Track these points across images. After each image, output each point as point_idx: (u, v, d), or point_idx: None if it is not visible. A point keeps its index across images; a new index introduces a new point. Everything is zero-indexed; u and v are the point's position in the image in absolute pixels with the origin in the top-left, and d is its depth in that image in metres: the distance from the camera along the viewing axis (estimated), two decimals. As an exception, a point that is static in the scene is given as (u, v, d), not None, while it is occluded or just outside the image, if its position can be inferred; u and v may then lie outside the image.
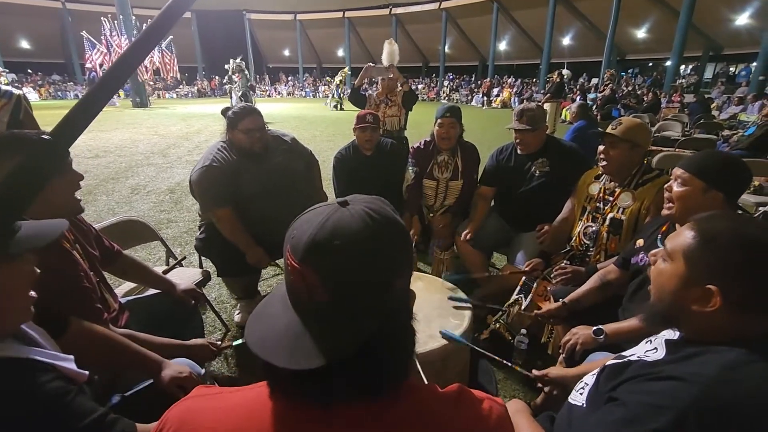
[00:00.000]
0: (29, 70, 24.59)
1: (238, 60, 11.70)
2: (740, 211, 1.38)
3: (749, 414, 0.62)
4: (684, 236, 0.80)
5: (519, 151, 2.36)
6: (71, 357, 0.82)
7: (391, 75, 3.67)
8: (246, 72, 12.02)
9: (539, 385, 1.25)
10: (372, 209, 0.50)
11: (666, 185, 1.39)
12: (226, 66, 12.68)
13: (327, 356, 0.46)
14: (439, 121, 2.52)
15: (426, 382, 1.04)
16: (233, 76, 11.95)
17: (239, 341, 1.51)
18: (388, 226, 0.50)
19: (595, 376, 0.89)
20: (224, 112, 2.15)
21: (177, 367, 1.14)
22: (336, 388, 0.49)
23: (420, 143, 2.69)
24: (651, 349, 0.83)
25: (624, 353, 0.90)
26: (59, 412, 0.73)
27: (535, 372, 1.25)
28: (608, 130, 1.80)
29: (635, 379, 0.75)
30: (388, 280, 0.50)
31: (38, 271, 0.78)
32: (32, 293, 0.78)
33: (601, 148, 1.84)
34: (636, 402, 0.70)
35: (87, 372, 0.83)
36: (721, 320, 0.72)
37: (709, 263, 0.74)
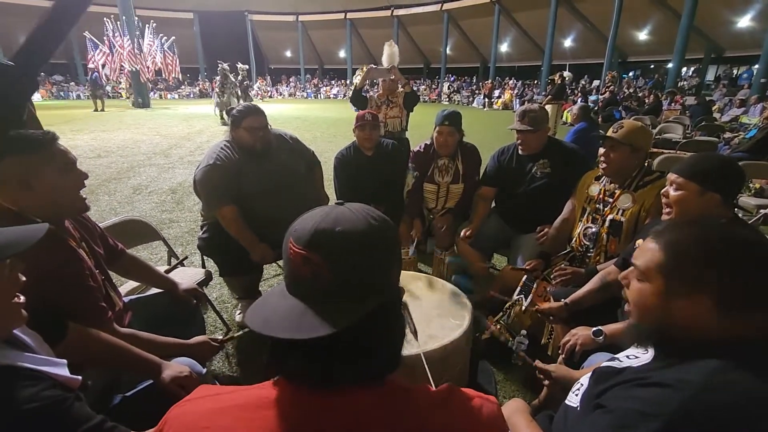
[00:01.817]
0: (32, 71, 24.69)
1: (225, 65, 11.30)
2: (739, 213, 1.39)
3: (736, 419, 0.62)
4: (653, 252, 0.79)
5: (520, 152, 2.37)
6: (64, 362, 0.81)
7: (393, 76, 3.68)
8: (229, 76, 11.49)
9: (541, 377, 1.26)
10: (366, 209, 0.57)
11: (662, 191, 1.40)
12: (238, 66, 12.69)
13: (331, 327, 0.49)
14: (437, 128, 2.52)
15: (432, 382, 1.04)
16: (218, 80, 11.52)
17: (240, 332, 1.52)
18: (384, 223, 0.57)
19: (588, 378, 0.90)
20: (229, 111, 2.19)
21: (177, 367, 1.15)
22: (335, 370, 0.52)
23: (420, 147, 2.70)
24: (642, 351, 0.84)
25: (618, 355, 0.90)
26: (57, 420, 0.72)
27: (538, 363, 1.25)
28: (609, 133, 1.81)
29: (623, 385, 0.75)
30: (382, 264, 0.56)
31: (23, 278, 0.77)
32: (20, 298, 0.76)
33: (601, 150, 1.84)
34: (623, 409, 0.70)
35: (80, 377, 0.82)
36: (711, 325, 0.73)
37: (688, 273, 0.74)
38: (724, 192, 1.29)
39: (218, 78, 11.57)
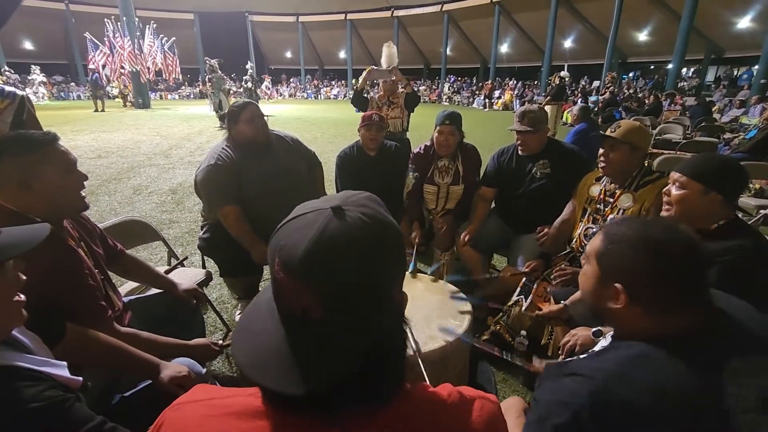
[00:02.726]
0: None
1: (212, 61, 10.94)
2: (740, 214, 1.39)
3: (640, 409, 0.64)
4: (596, 240, 0.86)
5: (520, 152, 2.37)
6: (64, 363, 0.82)
7: (394, 77, 3.69)
8: (219, 73, 10.98)
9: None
10: (367, 215, 0.48)
11: (664, 189, 1.40)
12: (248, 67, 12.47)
13: (318, 382, 0.45)
14: (438, 128, 2.52)
15: (428, 381, 1.04)
16: (207, 79, 10.96)
17: None
18: (385, 231, 0.49)
19: None
20: (224, 116, 2.19)
21: (175, 366, 1.15)
22: (333, 400, 0.48)
23: (420, 148, 2.70)
24: (605, 343, 0.89)
25: (595, 348, 0.94)
26: (58, 421, 0.72)
27: (535, 364, 1.26)
28: (607, 132, 1.81)
29: (554, 379, 0.78)
30: (386, 290, 0.49)
31: (24, 277, 0.77)
32: (21, 297, 0.77)
33: (601, 150, 1.85)
34: (546, 400, 0.74)
35: (80, 378, 0.82)
36: (634, 319, 0.77)
37: (614, 263, 0.80)
38: (726, 193, 1.28)
39: (207, 76, 11.11)
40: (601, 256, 0.82)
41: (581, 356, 0.85)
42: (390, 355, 0.51)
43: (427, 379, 0.94)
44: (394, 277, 0.51)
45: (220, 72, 11.07)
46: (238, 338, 0.52)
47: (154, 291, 1.69)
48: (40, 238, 0.75)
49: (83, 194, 1.22)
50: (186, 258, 2.21)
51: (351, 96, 4.04)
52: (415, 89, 3.98)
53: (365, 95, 3.75)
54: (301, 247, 0.44)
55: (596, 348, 0.89)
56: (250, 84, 13.42)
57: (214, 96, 11.02)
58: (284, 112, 16.52)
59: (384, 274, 0.49)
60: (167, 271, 1.90)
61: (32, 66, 19.27)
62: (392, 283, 0.51)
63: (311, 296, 0.45)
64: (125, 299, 1.49)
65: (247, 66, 14.32)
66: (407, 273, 2.06)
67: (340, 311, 0.46)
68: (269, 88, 24.53)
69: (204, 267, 2.44)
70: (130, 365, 1.14)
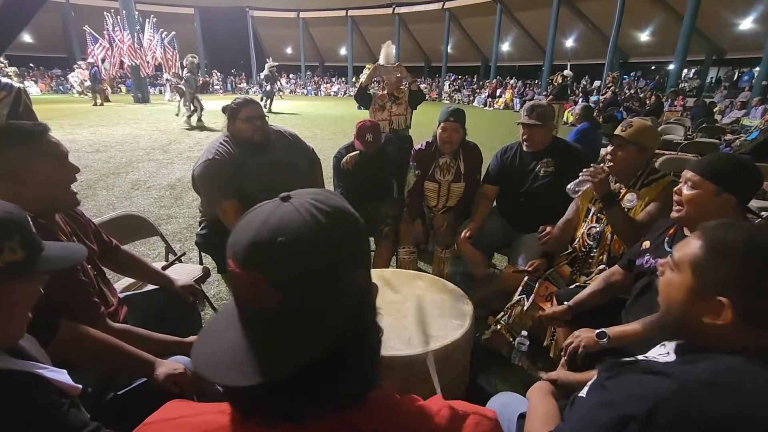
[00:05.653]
0: (31, 64, 24.55)
1: (196, 60, 10.46)
2: (750, 215, 1.36)
3: (727, 422, 0.59)
4: (692, 246, 0.76)
5: (525, 148, 2.34)
6: (64, 370, 0.81)
7: (399, 74, 3.67)
8: (190, 74, 10.17)
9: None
10: (318, 200, 0.47)
11: (675, 188, 1.37)
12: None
13: (271, 372, 0.43)
14: (442, 125, 2.48)
15: (439, 391, 1.00)
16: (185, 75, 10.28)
17: None
18: (337, 217, 0.47)
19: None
20: (224, 109, 2.16)
21: (171, 364, 1.13)
22: (303, 401, 0.46)
23: (421, 145, 2.67)
24: (664, 353, 0.81)
25: (638, 357, 0.88)
26: (52, 425, 0.72)
27: (542, 374, 1.24)
28: (617, 131, 1.79)
29: (630, 373, 0.73)
30: (342, 274, 0.47)
31: (42, 291, 0.79)
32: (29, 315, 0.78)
33: (609, 148, 1.82)
34: (620, 390, 0.70)
35: (80, 386, 0.82)
36: (731, 333, 0.69)
37: (718, 275, 0.70)
38: (739, 194, 1.25)
39: (186, 74, 10.22)
40: (700, 265, 0.73)
41: (655, 357, 0.79)
42: (357, 350, 0.49)
43: (437, 386, 0.90)
44: (351, 261, 0.49)
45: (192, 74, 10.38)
46: (197, 344, 0.50)
47: (150, 287, 1.67)
48: (81, 258, 0.83)
49: (75, 189, 1.20)
50: (183, 254, 2.19)
51: (352, 93, 4.03)
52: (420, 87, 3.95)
53: (369, 92, 3.73)
54: (247, 236, 0.45)
55: (663, 350, 0.82)
56: (268, 86, 13.22)
57: (186, 94, 10.32)
58: (284, 108, 16.43)
59: (336, 258, 0.46)
60: (164, 267, 1.87)
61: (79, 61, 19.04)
62: (348, 270, 0.48)
63: (264, 283, 0.44)
64: (121, 295, 1.47)
65: (267, 63, 13.83)
66: (409, 270, 2.05)
67: (293, 298, 0.44)
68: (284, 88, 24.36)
69: (201, 263, 2.41)
70: (125, 363, 1.12)
